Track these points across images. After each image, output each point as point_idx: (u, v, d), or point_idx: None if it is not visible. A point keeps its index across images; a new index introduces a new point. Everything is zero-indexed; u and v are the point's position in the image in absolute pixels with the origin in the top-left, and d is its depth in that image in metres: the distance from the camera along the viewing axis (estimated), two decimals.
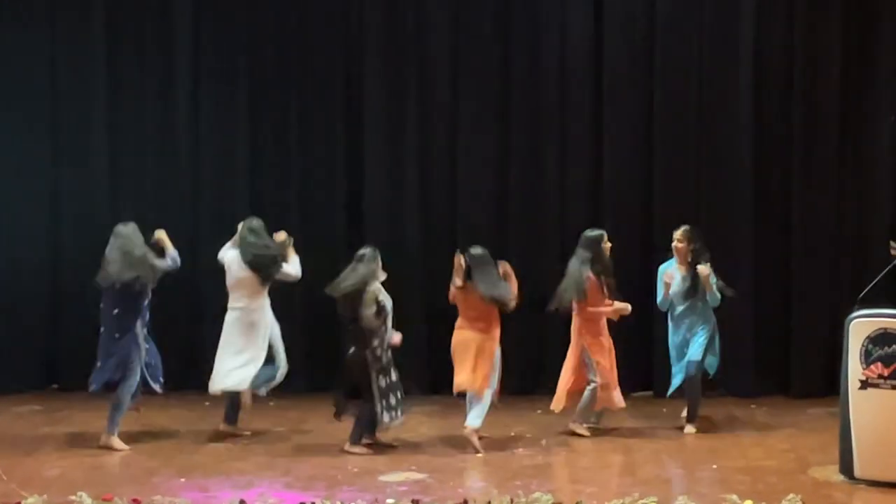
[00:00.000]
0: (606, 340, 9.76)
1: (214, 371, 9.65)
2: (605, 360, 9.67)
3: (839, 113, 11.53)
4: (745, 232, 11.54)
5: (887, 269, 8.84)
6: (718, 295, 9.78)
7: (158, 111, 12.01)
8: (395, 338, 9.30)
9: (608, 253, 9.75)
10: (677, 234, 9.92)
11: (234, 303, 9.65)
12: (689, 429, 9.84)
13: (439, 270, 10.18)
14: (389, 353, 9.28)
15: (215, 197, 11.93)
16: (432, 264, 10.69)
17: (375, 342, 9.14)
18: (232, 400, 9.75)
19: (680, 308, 9.85)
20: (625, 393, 10.00)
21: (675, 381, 9.91)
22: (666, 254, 10.15)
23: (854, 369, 8.12)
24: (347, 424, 9.34)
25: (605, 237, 9.77)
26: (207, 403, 10.73)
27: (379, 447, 9.26)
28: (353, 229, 11.63)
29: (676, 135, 11.65)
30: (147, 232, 9.60)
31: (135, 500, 7.59)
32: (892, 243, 11.67)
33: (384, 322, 9.18)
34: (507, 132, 11.81)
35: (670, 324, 9.97)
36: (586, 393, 9.67)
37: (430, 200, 11.85)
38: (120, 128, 11.99)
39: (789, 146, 11.59)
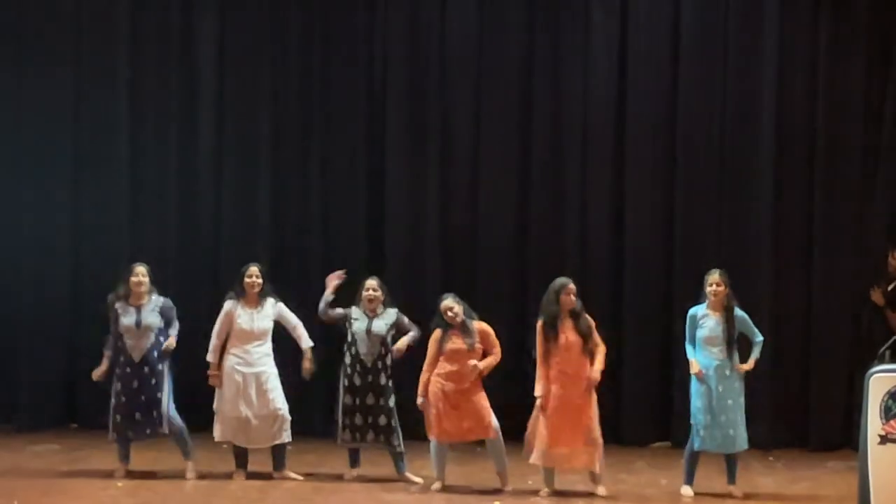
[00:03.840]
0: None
1: None
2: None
3: (861, 163, 11.55)
4: (765, 282, 11.53)
5: None
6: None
7: (181, 141, 12.16)
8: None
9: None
10: (714, 277, 9.21)
11: None
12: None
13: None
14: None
15: (236, 226, 12.08)
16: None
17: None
18: None
19: (714, 360, 9.20)
20: (643, 443, 9.89)
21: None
22: (686, 296, 9.92)
23: (873, 424, 8.08)
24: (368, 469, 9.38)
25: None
26: (225, 446, 10.72)
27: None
28: (373, 262, 11.64)
29: (697, 178, 11.71)
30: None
31: None
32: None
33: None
34: (528, 169, 11.93)
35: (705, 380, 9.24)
36: None
37: (451, 234, 11.98)
38: (142, 158, 12.18)
39: (811, 193, 11.61)
